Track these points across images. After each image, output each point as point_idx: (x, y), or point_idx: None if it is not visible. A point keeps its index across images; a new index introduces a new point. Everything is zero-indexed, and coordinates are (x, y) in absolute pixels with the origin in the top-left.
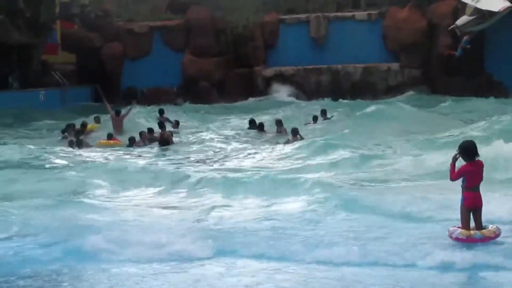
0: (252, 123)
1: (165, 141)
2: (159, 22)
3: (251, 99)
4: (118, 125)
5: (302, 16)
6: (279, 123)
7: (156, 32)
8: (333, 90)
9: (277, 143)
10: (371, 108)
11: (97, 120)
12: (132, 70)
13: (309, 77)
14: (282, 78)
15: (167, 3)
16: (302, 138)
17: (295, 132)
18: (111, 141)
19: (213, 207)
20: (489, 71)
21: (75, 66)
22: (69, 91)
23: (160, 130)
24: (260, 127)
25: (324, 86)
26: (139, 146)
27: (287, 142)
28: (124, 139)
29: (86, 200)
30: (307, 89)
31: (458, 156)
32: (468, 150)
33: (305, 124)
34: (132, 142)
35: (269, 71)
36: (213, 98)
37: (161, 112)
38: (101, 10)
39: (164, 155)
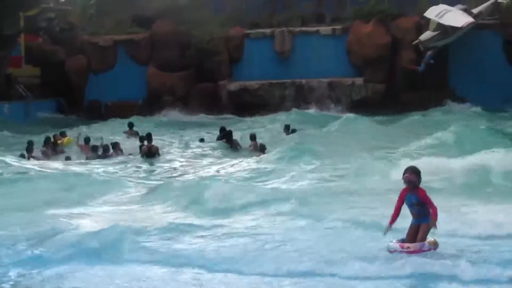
0: (222, 131)
1: (151, 154)
2: (124, 36)
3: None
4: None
5: (267, 30)
6: (252, 137)
7: (120, 45)
8: (297, 104)
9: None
10: (335, 122)
11: (63, 134)
12: (96, 83)
13: (274, 91)
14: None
15: (132, 17)
16: (263, 152)
17: (261, 147)
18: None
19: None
20: (452, 86)
21: (39, 79)
22: (33, 104)
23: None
24: (229, 137)
25: (289, 101)
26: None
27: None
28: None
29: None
30: (271, 103)
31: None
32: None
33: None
34: (106, 150)
35: (233, 85)
36: (178, 111)
37: (130, 125)
38: (66, 24)
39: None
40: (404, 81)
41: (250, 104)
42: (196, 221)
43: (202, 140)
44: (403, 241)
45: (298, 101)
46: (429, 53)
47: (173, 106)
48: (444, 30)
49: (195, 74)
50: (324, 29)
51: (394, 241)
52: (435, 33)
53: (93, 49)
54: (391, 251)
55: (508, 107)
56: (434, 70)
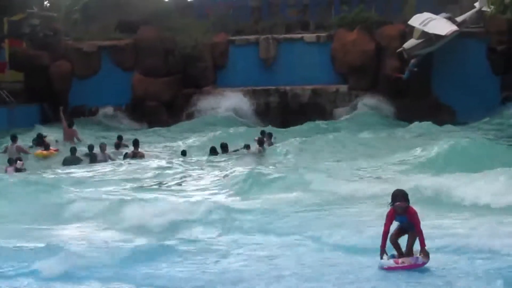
0: (212, 151)
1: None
2: (108, 42)
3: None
4: (68, 137)
5: (251, 37)
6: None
7: (104, 51)
8: (281, 111)
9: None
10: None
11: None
12: (80, 89)
13: (258, 98)
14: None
15: (116, 22)
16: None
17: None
18: (45, 152)
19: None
20: (436, 94)
21: (23, 85)
22: (16, 109)
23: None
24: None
25: (273, 107)
26: (100, 161)
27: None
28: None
29: None
30: (255, 109)
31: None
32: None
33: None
34: (94, 159)
35: (217, 92)
36: (162, 118)
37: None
38: (50, 29)
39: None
40: (388, 89)
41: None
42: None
43: (184, 153)
44: (393, 256)
45: (282, 108)
46: (413, 61)
47: (157, 111)
48: (428, 38)
49: (180, 80)
50: (309, 36)
51: (385, 257)
52: (419, 41)
53: (77, 54)
54: (384, 267)
55: (490, 115)
56: (418, 78)
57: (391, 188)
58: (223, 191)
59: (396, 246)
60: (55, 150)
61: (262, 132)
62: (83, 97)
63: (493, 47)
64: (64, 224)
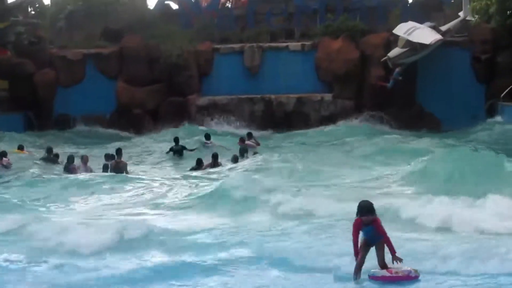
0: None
1: (119, 170)
2: (93, 50)
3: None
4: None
5: (236, 45)
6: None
7: (89, 59)
8: (266, 120)
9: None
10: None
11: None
12: (65, 97)
13: (243, 106)
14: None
15: (101, 30)
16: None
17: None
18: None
19: None
20: (421, 103)
21: (7, 93)
22: (0, 117)
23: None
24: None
25: (257, 116)
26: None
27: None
28: None
29: None
30: (240, 118)
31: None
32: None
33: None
34: (71, 171)
35: (202, 100)
36: (147, 126)
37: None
38: (35, 37)
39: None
40: (372, 98)
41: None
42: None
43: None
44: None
45: (267, 116)
46: (397, 69)
47: (142, 120)
48: (413, 47)
49: (165, 88)
50: (294, 45)
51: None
52: (404, 50)
53: (62, 62)
54: (374, 276)
55: (475, 124)
56: (403, 87)
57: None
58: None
59: (359, 269)
60: (29, 152)
61: (249, 134)
62: (68, 105)
63: (477, 56)
64: None
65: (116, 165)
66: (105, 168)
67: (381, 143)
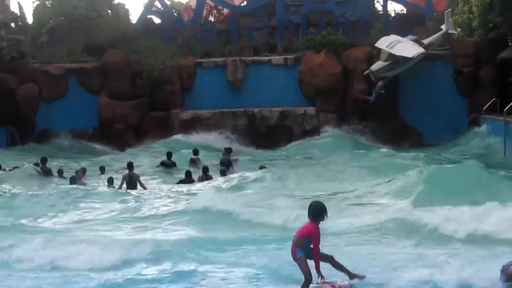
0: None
1: (133, 182)
2: (75, 64)
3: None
4: None
5: (219, 59)
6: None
7: (72, 74)
8: (250, 134)
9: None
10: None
11: None
12: (48, 112)
13: (226, 120)
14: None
15: (83, 45)
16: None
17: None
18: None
19: None
20: (403, 116)
21: None
22: None
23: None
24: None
25: (241, 130)
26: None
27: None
28: None
29: None
30: (223, 132)
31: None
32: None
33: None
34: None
35: (185, 114)
36: (129, 141)
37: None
38: (17, 52)
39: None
40: (355, 111)
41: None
42: None
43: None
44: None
45: (250, 130)
46: (380, 83)
47: (124, 134)
48: (395, 60)
49: (147, 103)
50: (276, 59)
51: (319, 281)
52: (386, 63)
53: (44, 77)
54: None
55: (457, 137)
56: (385, 100)
57: None
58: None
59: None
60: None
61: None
62: (51, 120)
63: (460, 69)
64: None
65: (130, 178)
66: (72, 181)
67: (363, 157)
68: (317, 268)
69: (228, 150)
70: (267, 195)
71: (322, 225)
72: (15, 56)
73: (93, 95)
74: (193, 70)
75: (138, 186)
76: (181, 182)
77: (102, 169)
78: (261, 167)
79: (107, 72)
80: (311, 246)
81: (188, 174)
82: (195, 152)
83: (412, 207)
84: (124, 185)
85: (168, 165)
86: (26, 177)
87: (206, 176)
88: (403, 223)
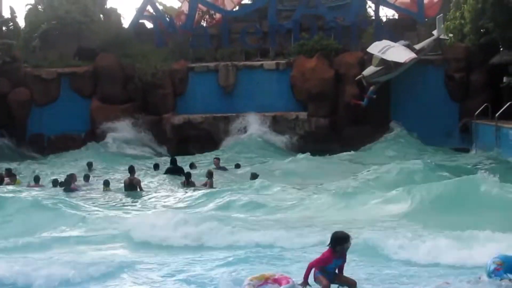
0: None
1: (133, 186)
2: (67, 69)
3: None
4: None
5: (211, 64)
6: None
7: (64, 78)
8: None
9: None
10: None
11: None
12: (39, 116)
13: (218, 124)
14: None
15: (75, 49)
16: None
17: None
18: None
19: None
20: (395, 121)
21: None
22: None
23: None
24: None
25: (233, 134)
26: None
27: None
28: None
29: None
30: (215, 137)
31: None
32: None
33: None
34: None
35: (177, 119)
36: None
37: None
38: (9, 56)
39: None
40: (347, 116)
41: (194, 137)
42: None
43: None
44: None
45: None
46: (372, 88)
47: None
48: (387, 65)
49: (139, 107)
50: (268, 64)
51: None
52: (378, 68)
53: (36, 81)
54: None
55: (449, 142)
56: (377, 105)
57: None
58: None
59: None
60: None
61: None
62: (42, 125)
63: (451, 74)
64: None
65: (130, 182)
66: (54, 184)
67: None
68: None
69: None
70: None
71: None
72: (7, 60)
73: (85, 99)
74: (185, 74)
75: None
76: (168, 170)
77: (90, 165)
78: (253, 176)
79: (99, 76)
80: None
81: (173, 161)
82: (172, 161)
83: None
84: None
85: (174, 170)
86: None
87: (188, 182)
88: None
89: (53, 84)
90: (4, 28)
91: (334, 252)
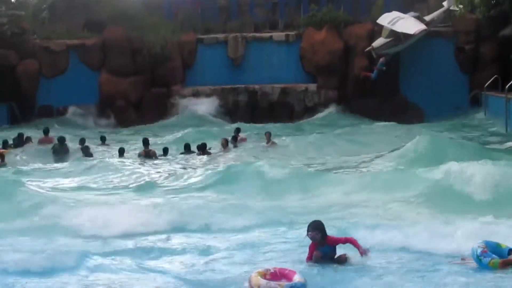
0: (186, 147)
1: (149, 159)
2: (76, 41)
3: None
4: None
5: (220, 36)
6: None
7: (72, 50)
8: (251, 110)
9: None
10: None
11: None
12: (48, 88)
13: (227, 97)
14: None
15: (84, 22)
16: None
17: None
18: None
19: None
20: (404, 93)
21: None
22: None
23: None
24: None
25: (242, 106)
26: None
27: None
28: None
29: None
30: (224, 108)
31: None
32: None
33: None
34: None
35: (186, 91)
36: (130, 117)
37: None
38: (17, 28)
39: None
40: (356, 88)
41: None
42: None
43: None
44: None
45: (251, 106)
46: (381, 60)
47: (125, 111)
48: (397, 37)
49: (148, 80)
50: (277, 35)
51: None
52: (388, 40)
53: (45, 53)
54: None
55: (459, 114)
56: (386, 77)
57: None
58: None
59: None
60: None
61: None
62: (51, 97)
63: (461, 46)
64: None
65: (145, 154)
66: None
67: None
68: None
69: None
70: None
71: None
72: (15, 32)
73: (93, 71)
74: (194, 46)
75: None
76: (182, 153)
77: (103, 139)
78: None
79: (107, 48)
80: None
81: (186, 147)
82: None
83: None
84: None
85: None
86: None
87: (203, 153)
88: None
89: (62, 56)
90: (12, 0)
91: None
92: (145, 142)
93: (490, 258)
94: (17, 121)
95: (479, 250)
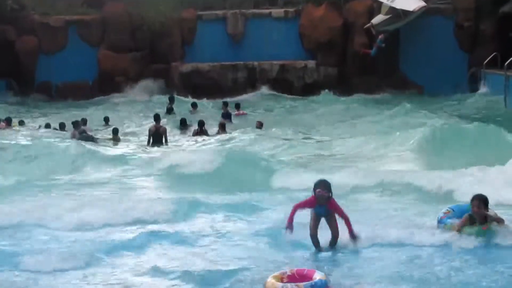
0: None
1: (159, 135)
2: (75, 16)
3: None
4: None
5: (220, 12)
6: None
7: (72, 26)
8: (250, 87)
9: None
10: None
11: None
12: (47, 64)
13: (226, 73)
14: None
15: None
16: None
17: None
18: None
19: None
20: (403, 71)
21: None
22: None
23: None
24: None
25: (241, 83)
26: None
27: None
28: None
29: None
30: (223, 85)
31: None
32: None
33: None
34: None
35: (185, 67)
36: (129, 93)
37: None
38: (17, 3)
39: None
40: (355, 65)
41: (202, 86)
42: None
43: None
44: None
45: (250, 83)
46: (380, 37)
47: (124, 87)
48: (396, 14)
49: (147, 56)
50: (277, 12)
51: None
52: (387, 16)
53: (44, 29)
54: None
55: (458, 92)
56: (386, 54)
57: None
58: None
59: (315, 241)
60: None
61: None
62: (50, 73)
63: (461, 24)
64: None
65: (156, 130)
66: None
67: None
68: None
69: (225, 104)
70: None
71: None
72: (14, 8)
73: (93, 47)
74: (194, 23)
75: None
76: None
77: (107, 120)
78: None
79: (107, 24)
80: None
81: (182, 122)
82: (193, 105)
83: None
84: None
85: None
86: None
87: (201, 130)
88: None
89: (61, 32)
90: None
91: (316, 198)
92: (156, 117)
93: (444, 224)
94: (16, 96)
95: (439, 216)
